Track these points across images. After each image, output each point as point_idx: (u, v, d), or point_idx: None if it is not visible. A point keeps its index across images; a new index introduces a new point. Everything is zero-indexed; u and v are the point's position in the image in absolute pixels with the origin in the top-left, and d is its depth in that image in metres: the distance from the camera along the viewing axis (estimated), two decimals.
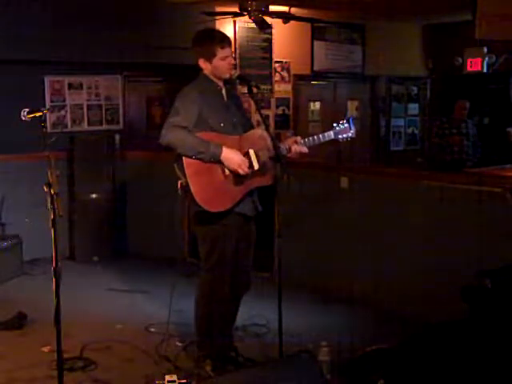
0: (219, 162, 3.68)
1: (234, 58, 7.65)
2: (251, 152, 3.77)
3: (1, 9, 6.31)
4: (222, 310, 3.93)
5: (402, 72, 10.16)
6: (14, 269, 6.08)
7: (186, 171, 3.65)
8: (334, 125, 3.92)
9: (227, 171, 3.73)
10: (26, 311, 4.87)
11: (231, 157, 3.68)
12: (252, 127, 3.99)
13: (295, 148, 3.86)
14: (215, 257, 3.82)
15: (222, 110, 3.85)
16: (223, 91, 3.90)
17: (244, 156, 3.75)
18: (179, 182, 3.71)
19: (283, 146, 3.85)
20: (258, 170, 3.78)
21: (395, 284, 4.99)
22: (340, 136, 3.92)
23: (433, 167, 8.08)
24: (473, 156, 8.07)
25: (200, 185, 3.67)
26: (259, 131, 3.91)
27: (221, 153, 3.66)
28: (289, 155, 3.87)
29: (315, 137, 3.89)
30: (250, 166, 3.76)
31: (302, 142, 3.88)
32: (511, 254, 4.19)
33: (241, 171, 3.70)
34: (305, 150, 3.88)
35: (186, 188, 3.67)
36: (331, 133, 3.91)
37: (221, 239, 3.81)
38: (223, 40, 3.81)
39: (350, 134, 3.94)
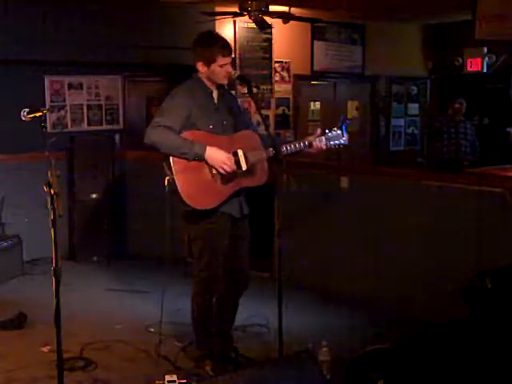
0: (203, 161, 3.67)
1: (234, 59, 7.65)
2: (240, 152, 3.76)
3: (1, 9, 6.31)
4: (220, 309, 3.93)
5: (402, 72, 10.16)
6: (14, 269, 6.08)
7: (173, 168, 3.65)
8: (327, 131, 3.89)
9: (214, 170, 3.72)
10: (25, 311, 4.87)
11: (215, 155, 3.66)
12: (247, 128, 3.95)
13: (317, 144, 3.85)
14: (207, 255, 3.82)
15: (211, 112, 3.83)
16: (214, 94, 3.88)
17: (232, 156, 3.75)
18: (166, 179, 3.71)
19: (304, 142, 3.84)
20: (246, 170, 3.77)
21: (395, 284, 4.99)
22: (332, 142, 3.88)
23: (433, 167, 8.09)
24: (471, 155, 8.09)
25: (186, 182, 3.66)
26: (249, 132, 3.90)
27: (204, 152, 3.65)
28: (309, 150, 3.87)
29: (301, 142, 3.87)
30: (238, 166, 3.75)
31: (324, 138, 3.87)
32: (511, 253, 4.19)
33: (226, 168, 3.68)
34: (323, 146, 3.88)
35: (172, 185, 3.66)
36: (322, 138, 3.87)
37: (211, 238, 3.80)
38: (225, 48, 3.79)
39: (342, 141, 3.90)
